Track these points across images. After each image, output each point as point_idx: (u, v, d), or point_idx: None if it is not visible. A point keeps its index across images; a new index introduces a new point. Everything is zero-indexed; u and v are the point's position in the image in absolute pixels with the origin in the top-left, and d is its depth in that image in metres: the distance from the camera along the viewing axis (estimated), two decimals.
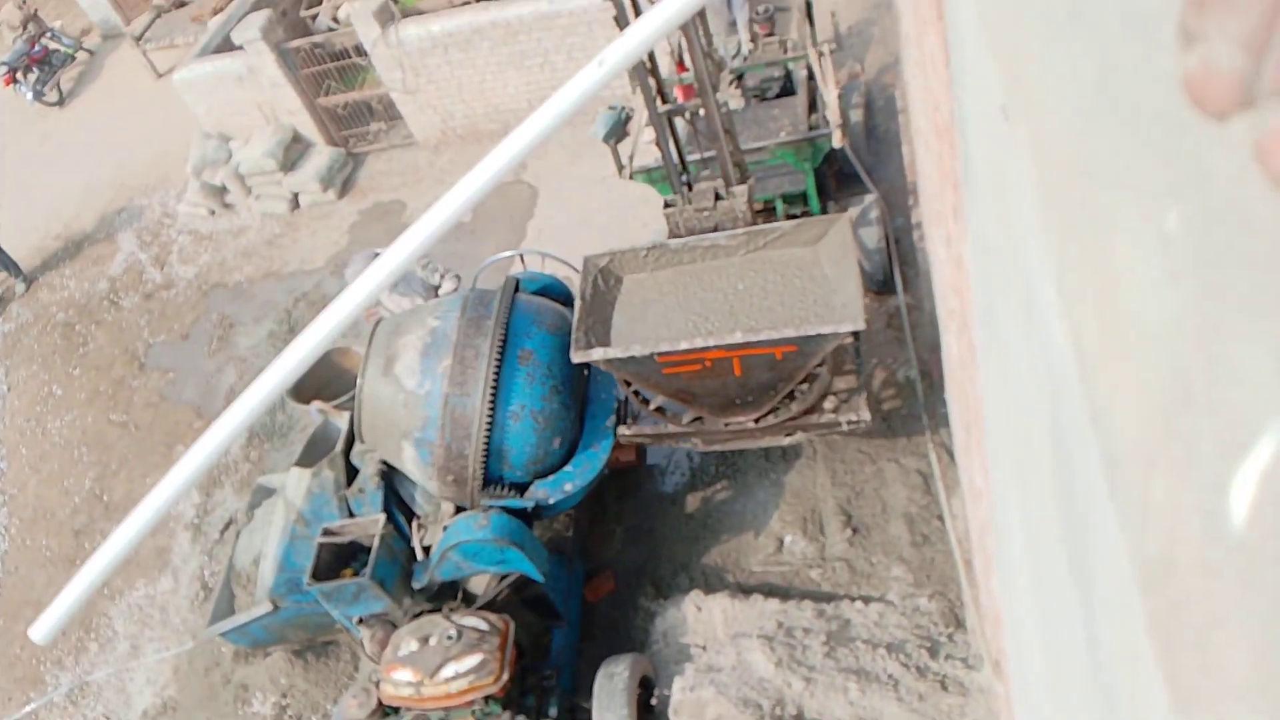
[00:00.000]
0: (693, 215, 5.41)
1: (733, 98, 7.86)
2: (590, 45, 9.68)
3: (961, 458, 4.25)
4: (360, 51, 10.56)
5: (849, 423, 5.32)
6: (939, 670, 4.65)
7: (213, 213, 11.25)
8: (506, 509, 5.09)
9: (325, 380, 7.11)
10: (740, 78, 7.46)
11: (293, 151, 11.03)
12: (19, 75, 14.75)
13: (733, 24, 8.71)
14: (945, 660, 4.71)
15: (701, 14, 5.68)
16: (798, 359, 4.79)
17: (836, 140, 6.17)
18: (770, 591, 5.53)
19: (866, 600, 5.29)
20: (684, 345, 4.68)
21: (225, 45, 11.08)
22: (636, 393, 5.39)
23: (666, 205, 5.53)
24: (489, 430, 5.05)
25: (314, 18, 12.72)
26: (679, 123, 5.94)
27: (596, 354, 4.83)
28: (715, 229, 5.40)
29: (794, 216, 6.10)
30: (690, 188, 5.52)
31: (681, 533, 6.27)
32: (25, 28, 15.29)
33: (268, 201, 11.01)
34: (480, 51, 10.12)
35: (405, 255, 1.51)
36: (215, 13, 13.62)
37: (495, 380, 5.05)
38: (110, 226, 11.79)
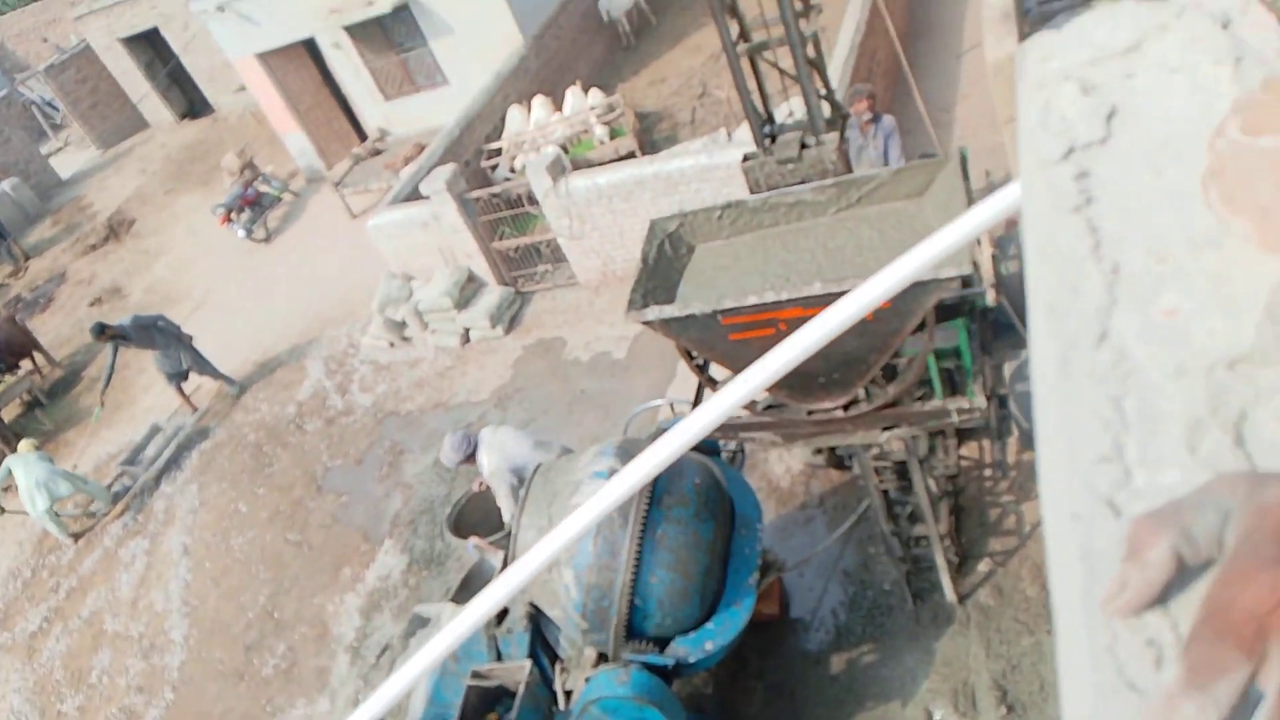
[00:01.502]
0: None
1: None
2: (743, 193, 10.05)
3: None
4: (532, 200, 11.35)
5: (960, 412, 4.41)
6: None
7: (392, 345, 12.12)
8: (647, 665, 5.13)
9: (483, 515, 7.44)
10: None
11: (467, 290, 11.83)
12: (233, 215, 16.56)
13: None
14: None
15: None
16: (892, 320, 3.96)
17: (989, 299, 6.15)
18: None
19: None
20: (752, 300, 3.94)
21: (414, 194, 12.15)
22: (700, 367, 4.70)
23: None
24: (633, 585, 5.15)
25: (494, 168, 13.82)
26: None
27: (651, 313, 4.20)
28: (801, 184, 4.67)
29: (947, 371, 5.85)
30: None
31: (825, 695, 6.10)
32: (242, 173, 17.26)
33: (441, 336, 11.79)
34: (642, 201, 10.68)
35: (562, 541, 1.66)
36: (407, 162, 15.00)
37: (640, 537, 5.17)
38: (302, 354, 12.87)
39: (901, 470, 6.27)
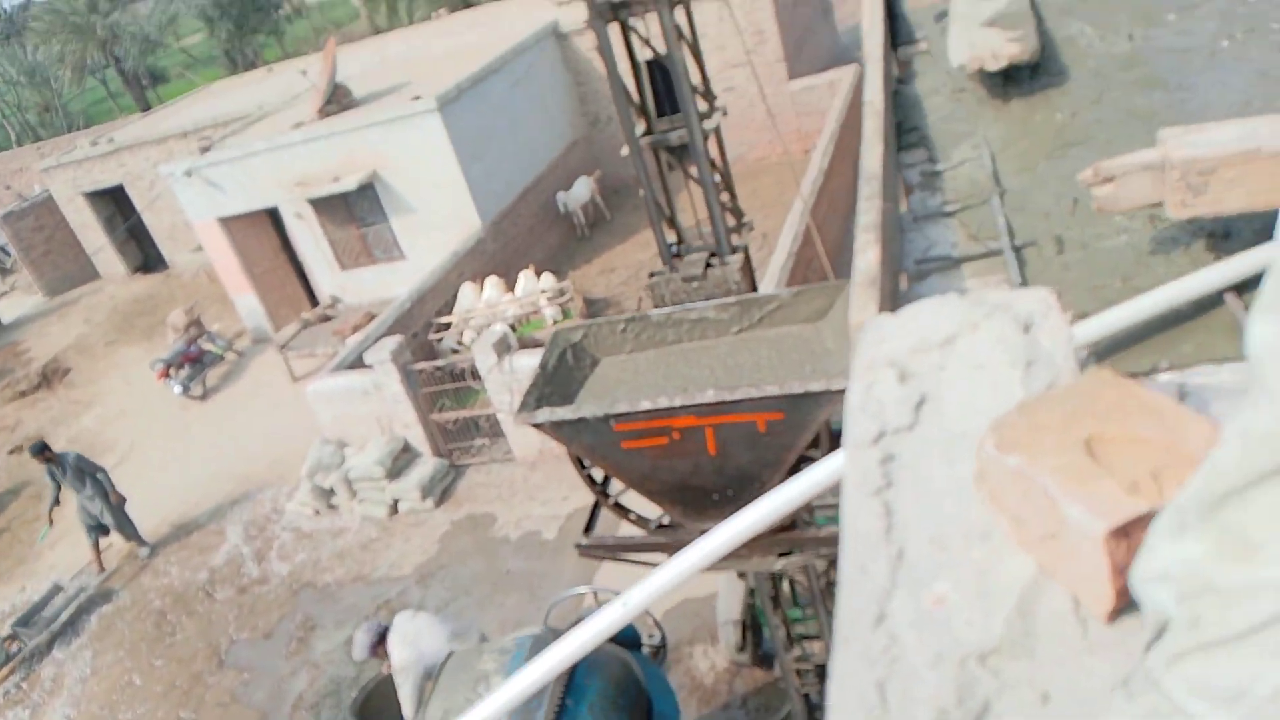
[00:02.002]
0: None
1: None
2: None
3: None
4: (475, 375, 11.49)
5: None
6: None
7: (317, 513, 11.84)
8: None
9: (391, 701, 7.09)
10: None
11: (401, 460, 11.73)
12: (171, 371, 16.42)
13: None
14: None
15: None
16: (785, 433, 3.91)
17: None
18: None
19: None
20: (645, 406, 3.90)
21: (358, 362, 12.23)
22: (592, 480, 4.58)
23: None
24: None
25: (440, 341, 14.03)
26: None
27: (542, 415, 4.09)
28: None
29: None
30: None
31: None
32: (187, 329, 17.24)
33: (369, 505, 11.57)
34: None
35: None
36: (356, 330, 15.17)
37: None
38: (222, 517, 12.48)
39: (823, 673, 6.19)
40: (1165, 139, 2.05)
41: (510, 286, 14.77)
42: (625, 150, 4.84)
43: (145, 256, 23.72)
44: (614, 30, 4.60)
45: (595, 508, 4.99)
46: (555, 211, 17.79)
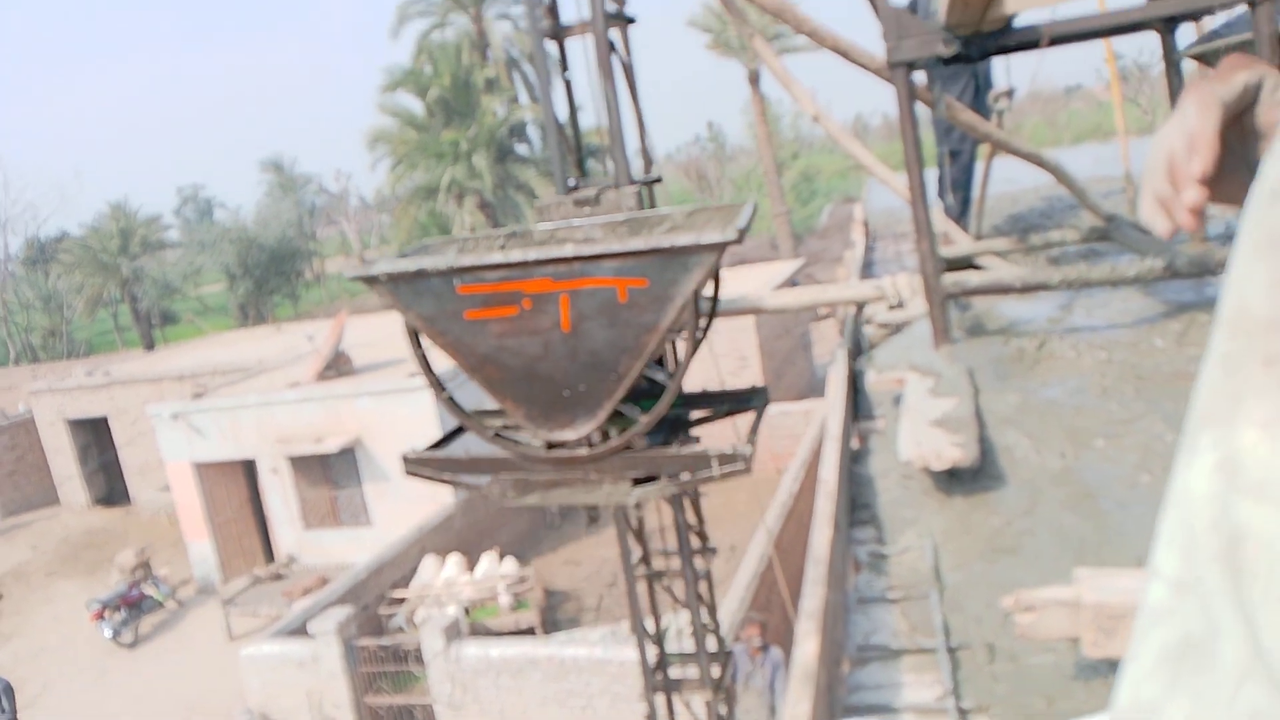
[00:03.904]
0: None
1: None
2: (632, 695, 9.95)
3: None
4: (419, 659, 11.05)
5: (723, 460, 3.75)
6: None
7: None
8: None
9: None
10: None
11: None
12: (106, 613, 15.73)
13: None
14: None
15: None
16: (647, 307, 3.45)
17: None
18: None
19: None
20: (495, 259, 3.47)
21: (300, 629, 11.80)
22: (427, 365, 4.05)
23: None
24: None
25: (390, 617, 13.62)
26: None
27: (381, 266, 3.68)
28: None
29: None
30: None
31: None
32: (134, 572, 16.71)
33: None
34: (530, 681, 10.48)
35: None
36: (306, 593, 14.75)
37: None
38: None
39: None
40: (1080, 579, 2.25)
41: (472, 566, 14.58)
42: None
43: (110, 489, 23.47)
44: None
45: (457, 430, 4.49)
46: None
